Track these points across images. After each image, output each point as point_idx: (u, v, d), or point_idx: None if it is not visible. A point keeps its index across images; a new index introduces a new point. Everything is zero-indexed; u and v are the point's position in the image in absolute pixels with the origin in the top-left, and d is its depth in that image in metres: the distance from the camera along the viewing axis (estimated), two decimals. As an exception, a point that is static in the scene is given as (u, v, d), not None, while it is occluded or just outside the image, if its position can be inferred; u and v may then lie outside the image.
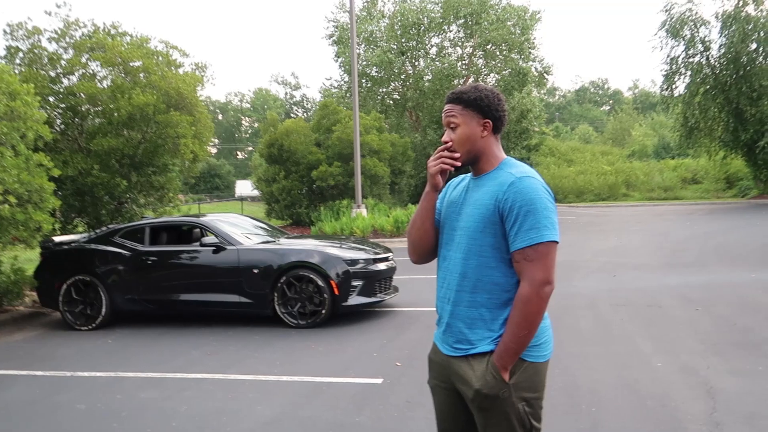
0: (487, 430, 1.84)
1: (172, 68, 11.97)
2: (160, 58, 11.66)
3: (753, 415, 3.61)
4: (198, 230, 7.45)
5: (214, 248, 6.62)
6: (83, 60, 10.95)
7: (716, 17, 24.25)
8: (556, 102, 73.93)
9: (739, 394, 3.96)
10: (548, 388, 1.91)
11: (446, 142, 1.91)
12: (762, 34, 23.21)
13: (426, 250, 2.05)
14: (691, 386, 4.15)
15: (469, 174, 2.02)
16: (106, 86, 11.08)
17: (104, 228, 7.83)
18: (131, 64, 11.10)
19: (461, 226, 1.90)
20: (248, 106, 77.92)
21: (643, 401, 3.91)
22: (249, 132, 77.28)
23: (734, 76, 23.93)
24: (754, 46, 23.53)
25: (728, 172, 28.20)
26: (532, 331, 1.77)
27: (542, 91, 42.30)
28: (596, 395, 4.05)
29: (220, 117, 75.19)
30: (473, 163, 1.94)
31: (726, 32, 23.78)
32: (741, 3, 23.47)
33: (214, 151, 64.24)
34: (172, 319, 7.05)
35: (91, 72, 11.19)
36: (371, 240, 11.71)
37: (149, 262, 6.86)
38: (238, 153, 76.18)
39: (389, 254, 7.16)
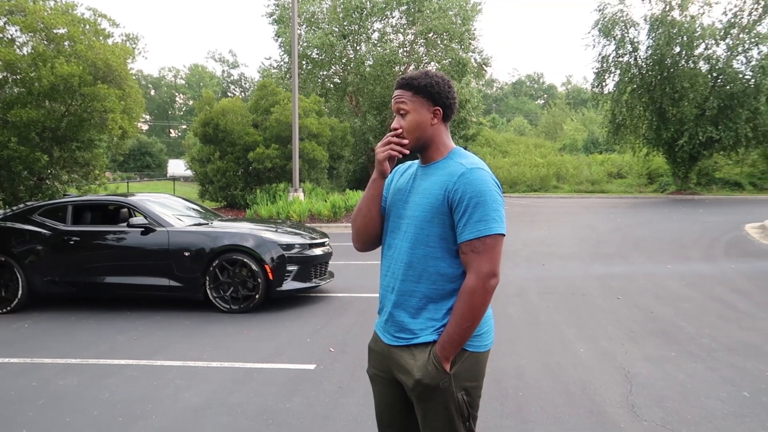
0: (425, 419, 1.85)
1: (101, 38, 11.38)
2: (88, 27, 11.05)
3: (664, 397, 3.85)
4: (126, 210, 7.15)
5: (142, 229, 6.37)
6: (0, 24, 10.22)
7: (645, 20, 25.40)
8: (493, 93, 75.52)
9: (652, 378, 4.21)
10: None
11: (396, 129, 1.87)
12: (685, 38, 24.50)
13: (371, 238, 2.01)
14: (609, 371, 4.37)
15: (416, 161, 1.99)
16: (26, 53, 10.39)
17: (22, 205, 7.37)
18: (55, 31, 10.46)
19: (408, 215, 1.87)
20: (183, 82, 75.13)
21: (565, 386, 4.08)
22: (183, 109, 74.66)
23: (659, 77, 25.18)
24: (677, 49, 24.81)
25: (650, 168, 29.76)
26: (476, 323, 1.78)
27: (481, 83, 43.11)
28: (522, 380, 4.20)
29: (152, 92, 72.17)
30: (422, 150, 1.91)
31: (653, 35, 24.95)
32: (667, 7, 24.67)
33: (145, 127, 61.66)
34: (95, 303, 6.75)
35: (9, 37, 10.46)
36: (308, 225, 11.61)
37: (71, 242, 6.52)
38: (171, 131, 73.50)
39: (326, 239, 7.12)
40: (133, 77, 12.47)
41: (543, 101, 76.11)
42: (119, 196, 7.98)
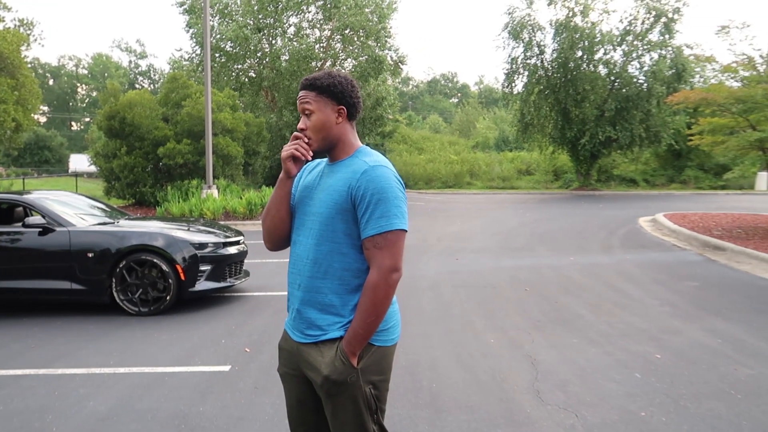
0: (334, 415, 1.87)
1: (-10, 23, 10.49)
2: (-26, 10, 10.15)
3: (566, 382, 4.11)
4: (21, 209, 6.67)
5: (40, 230, 5.97)
6: None
7: (550, 24, 26.75)
8: (409, 91, 76.71)
9: (556, 364, 4.48)
10: (393, 367, 1.99)
11: (302, 129, 1.90)
12: (586, 43, 26.05)
13: (281, 238, 2.03)
14: (517, 359, 4.60)
15: (325, 159, 2.02)
16: None
17: None
18: (-65, 13, 9.54)
19: (314, 212, 1.90)
20: (85, 72, 70.66)
21: (476, 375, 4.26)
22: (86, 101, 70.25)
23: (563, 80, 26.61)
24: (580, 53, 26.33)
25: (556, 166, 31.43)
26: (380, 317, 1.82)
27: (397, 80, 43.56)
28: (435, 372, 4.34)
29: (51, 82, 67.41)
30: (329, 149, 1.94)
31: (558, 39, 26.34)
32: (571, 13, 26.11)
33: (43, 120, 57.55)
34: (-14, 309, 6.25)
35: None
36: (222, 223, 11.32)
37: (-42, 244, 6.00)
38: (73, 124, 69.07)
39: (240, 237, 6.98)
40: (29, 66, 11.59)
41: (457, 100, 78.22)
42: (13, 194, 7.42)
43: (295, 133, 1.93)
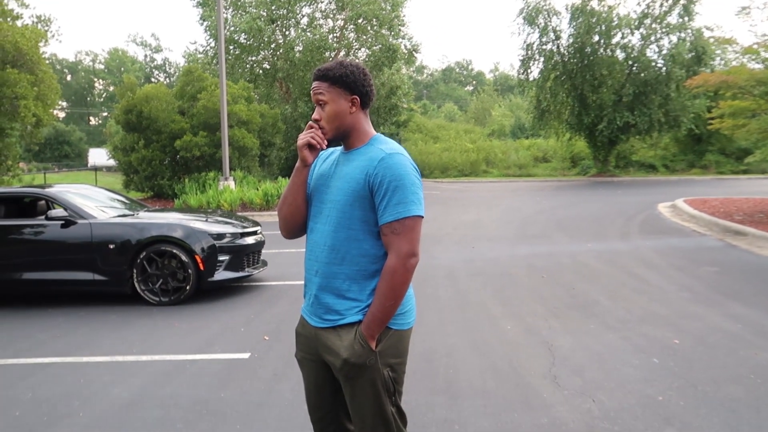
0: (353, 397, 1.91)
1: (9, 19, 10.66)
2: (-7, 7, 10.32)
3: (583, 367, 4.11)
4: (43, 202, 6.80)
5: (62, 222, 6.09)
6: None
7: (566, 9, 26.40)
8: (424, 80, 76.31)
9: (572, 350, 4.48)
10: (410, 354, 2.03)
11: (316, 120, 1.93)
12: (603, 27, 25.66)
13: (297, 226, 2.06)
14: (533, 345, 4.61)
15: (339, 147, 2.05)
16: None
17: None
18: (-45, 11, 9.71)
19: (330, 199, 1.92)
20: (102, 67, 71.35)
21: (492, 362, 4.28)
22: (103, 96, 71.04)
23: (579, 65, 26.28)
24: (597, 38, 25.96)
25: (573, 152, 31.11)
26: (398, 301, 1.85)
27: (411, 69, 43.43)
28: (452, 358, 4.36)
29: (68, 78, 68.23)
30: (344, 138, 1.97)
31: (574, 23, 25.98)
32: (587, -3, 25.72)
33: (62, 115, 58.30)
34: (13, 301, 6.41)
35: None
36: (239, 214, 11.43)
37: (-17, 238, 6.14)
38: (91, 118, 69.86)
39: (257, 228, 7.05)
40: (47, 62, 11.75)
41: (472, 88, 77.62)
42: (36, 187, 7.57)
43: (310, 122, 1.96)
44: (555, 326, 5.09)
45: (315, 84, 1.94)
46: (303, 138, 1.93)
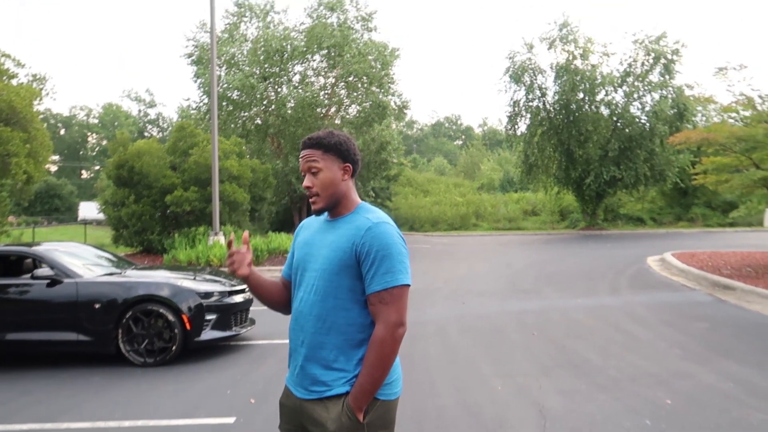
0: None
1: (5, 78, 10.85)
2: (-10, 68, 10.52)
3: (576, 429, 4.04)
4: (30, 261, 6.75)
5: (48, 281, 6.03)
6: None
7: (551, 67, 27.25)
8: (414, 134, 77.60)
9: (564, 411, 4.41)
10: (399, 416, 1.99)
11: (309, 187, 1.95)
12: (587, 85, 26.46)
13: (283, 307, 2.17)
14: (525, 406, 4.54)
15: (321, 216, 2.07)
16: None
17: None
18: (-47, 71, 9.88)
19: (316, 268, 1.93)
20: (96, 121, 72.09)
21: (483, 423, 4.20)
22: (96, 149, 71.43)
23: (565, 121, 26.94)
24: (581, 95, 26.73)
25: (561, 206, 31.48)
26: (387, 371, 1.84)
27: (401, 124, 44.26)
28: (442, 421, 4.28)
29: (62, 132, 68.77)
30: (334, 206, 1.98)
31: (559, 81, 26.79)
32: (570, 57, 26.62)
33: (53, 169, 58.43)
34: (-7, 362, 6.25)
35: None
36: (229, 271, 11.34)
37: (-33, 297, 6.05)
38: (83, 172, 70.05)
39: (245, 285, 6.99)
40: (41, 117, 11.90)
41: (461, 142, 78.94)
42: (23, 245, 7.51)
43: (229, 252, 2.03)
44: (546, 386, 5.02)
45: (307, 152, 1.96)
46: (230, 268, 2.04)
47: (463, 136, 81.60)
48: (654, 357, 5.89)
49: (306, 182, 1.97)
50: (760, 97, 12.29)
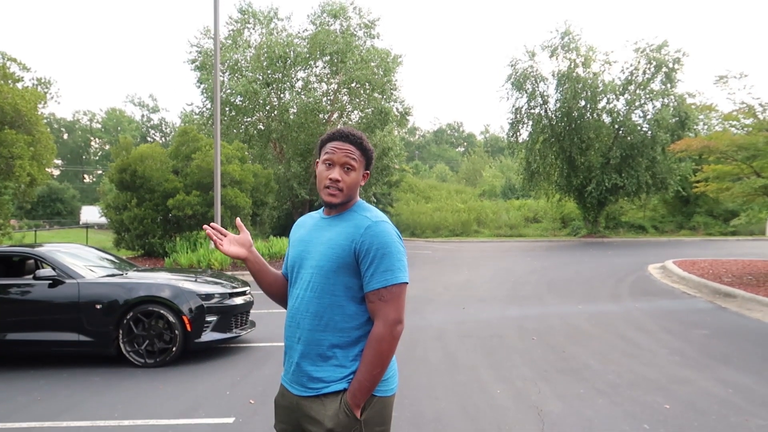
0: None
1: (10, 82, 10.92)
2: (-5, 71, 10.60)
3: (573, 434, 4.05)
4: (32, 261, 6.78)
5: (50, 282, 6.06)
6: None
7: (553, 75, 27.33)
8: (416, 141, 77.74)
9: (562, 415, 4.42)
10: (398, 419, 2.02)
11: (336, 180, 1.92)
12: (589, 93, 26.52)
13: (285, 300, 2.14)
14: (523, 411, 4.55)
15: (317, 212, 2.09)
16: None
17: None
18: (-42, 74, 9.96)
19: (313, 265, 1.93)
20: (99, 126, 72.37)
21: (482, 427, 4.21)
22: (99, 154, 71.68)
23: (567, 128, 26.97)
24: (583, 103, 26.78)
25: (563, 213, 31.47)
26: (384, 368, 1.85)
27: (403, 131, 44.34)
28: (440, 424, 4.28)
29: (65, 136, 69.03)
30: (343, 205, 1.98)
31: (561, 89, 26.85)
32: (572, 65, 26.70)
33: (56, 173, 58.66)
34: (-6, 362, 6.28)
35: None
36: (230, 273, 11.39)
37: (-31, 297, 6.08)
38: (86, 176, 70.27)
39: (246, 288, 7.03)
40: (45, 121, 11.97)
41: (463, 149, 79.04)
42: (25, 246, 7.55)
43: (206, 227, 2.04)
44: (545, 390, 5.03)
45: (348, 147, 1.94)
46: (219, 248, 2.04)
47: (465, 143, 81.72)
48: (653, 363, 5.90)
49: (335, 174, 1.92)
50: (761, 105, 12.32)
